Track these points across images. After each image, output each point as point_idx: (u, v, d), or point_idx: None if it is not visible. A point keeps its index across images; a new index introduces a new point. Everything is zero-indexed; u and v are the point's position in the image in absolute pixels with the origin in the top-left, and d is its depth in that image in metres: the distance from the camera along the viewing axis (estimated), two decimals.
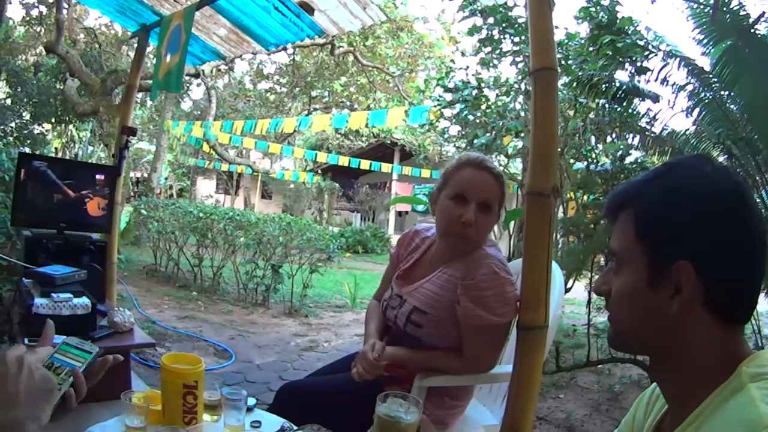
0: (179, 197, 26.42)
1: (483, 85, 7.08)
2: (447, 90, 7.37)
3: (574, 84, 5.32)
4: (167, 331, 5.84)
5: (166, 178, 25.26)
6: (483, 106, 6.98)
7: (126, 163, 4.79)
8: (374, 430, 1.46)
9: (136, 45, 5.22)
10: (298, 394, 2.39)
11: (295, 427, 1.96)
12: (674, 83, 5.17)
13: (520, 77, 6.92)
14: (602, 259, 5.02)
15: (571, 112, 5.81)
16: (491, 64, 7.22)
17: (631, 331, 1.09)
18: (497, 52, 7.01)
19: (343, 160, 21.70)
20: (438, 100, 7.80)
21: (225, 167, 25.36)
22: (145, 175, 18.75)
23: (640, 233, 1.05)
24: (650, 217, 1.05)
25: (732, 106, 5.15)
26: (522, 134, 6.46)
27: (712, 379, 0.98)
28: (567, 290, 4.94)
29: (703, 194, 1.02)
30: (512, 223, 6.36)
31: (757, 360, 0.98)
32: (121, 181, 4.54)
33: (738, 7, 4.72)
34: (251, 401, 2.01)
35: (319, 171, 27.42)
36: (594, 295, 5.13)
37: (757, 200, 4.31)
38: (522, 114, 6.79)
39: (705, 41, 5.08)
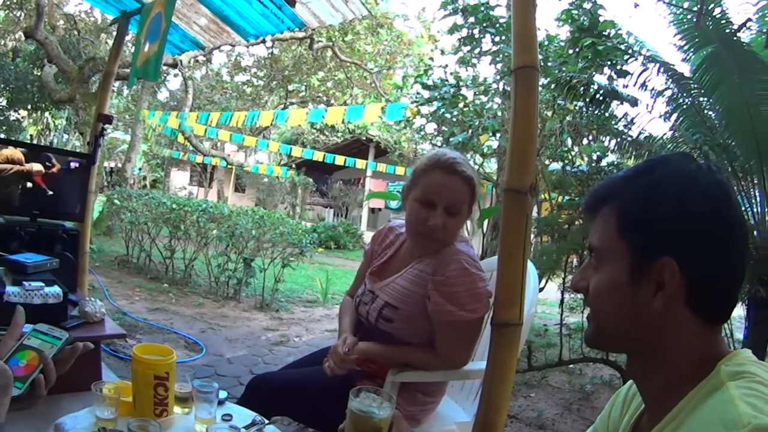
0: (153, 188, 26.14)
1: (461, 83, 7.09)
2: (425, 87, 7.37)
3: (553, 85, 5.34)
4: (138, 323, 5.77)
5: (140, 169, 25.02)
6: (460, 105, 6.99)
7: (100, 152, 4.72)
8: (347, 424, 1.45)
9: (115, 32, 5.15)
10: (269, 388, 2.38)
11: (266, 421, 1.95)
12: (653, 88, 5.21)
13: (498, 77, 6.93)
14: (576, 259, 5.05)
15: (549, 113, 5.84)
16: (470, 63, 7.23)
17: (611, 328, 1.08)
18: (477, 51, 7.02)
19: (318, 155, 21.65)
20: (416, 97, 7.80)
21: (199, 159, 25.19)
22: (119, 165, 18.54)
23: (623, 229, 1.05)
24: (633, 214, 1.04)
25: (710, 113, 5.20)
26: (498, 133, 6.48)
27: (691, 378, 0.98)
28: (539, 290, 4.96)
29: (686, 191, 1.02)
30: (486, 221, 6.37)
31: (735, 359, 0.98)
32: (96, 169, 4.48)
33: (720, 15, 4.76)
34: (222, 394, 1.99)
35: (294, 165, 27.33)
36: (567, 296, 5.18)
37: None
38: (499, 114, 6.81)
39: (686, 47, 5.12)
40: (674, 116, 5.32)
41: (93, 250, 8.56)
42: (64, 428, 1.51)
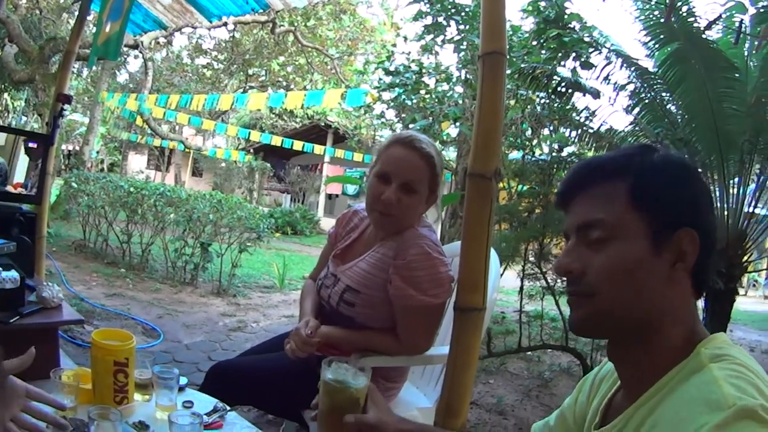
0: (110, 172, 25.72)
1: (423, 71, 7.08)
2: (387, 73, 7.35)
3: (516, 75, 5.35)
4: (95, 309, 5.68)
5: (97, 152, 24.58)
6: (422, 92, 6.99)
7: (59, 134, 4.59)
8: (321, 398, 1.42)
9: (77, 12, 5.02)
10: (229, 375, 2.33)
11: (228, 408, 1.91)
12: (616, 82, 5.27)
13: (461, 65, 6.94)
14: (535, 246, 5.08)
15: (512, 102, 5.86)
16: (432, 51, 7.22)
17: (620, 308, 1.04)
18: (441, 38, 7.01)
19: (276, 140, 21.51)
20: (377, 83, 7.77)
21: (157, 143, 24.89)
22: (77, 147, 18.16)
23: (640, 203, 1.04)
24: (651, 187, 1.04)
25: (672, 107, 5.28)
26: (459, 121, 6.49)
27: (673, 357, 0.99)
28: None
29: (689, 169, 1.08)
30: (445, 208, 6.38)
31: (713, 342, 0.99)
32: (54, 151, 4.36)
33: (687, 12, 4.82)
34: (183, 380, 1.96)
35: (252, 150, 27.16)
36: (526, 283, 5.21)
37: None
38: (460, 101, 6.82)
39: (651, 43, 5.18)
40: (636, 110, 5.39)
41: (50, 234, 8.38)
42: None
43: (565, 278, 1.11)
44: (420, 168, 2.21)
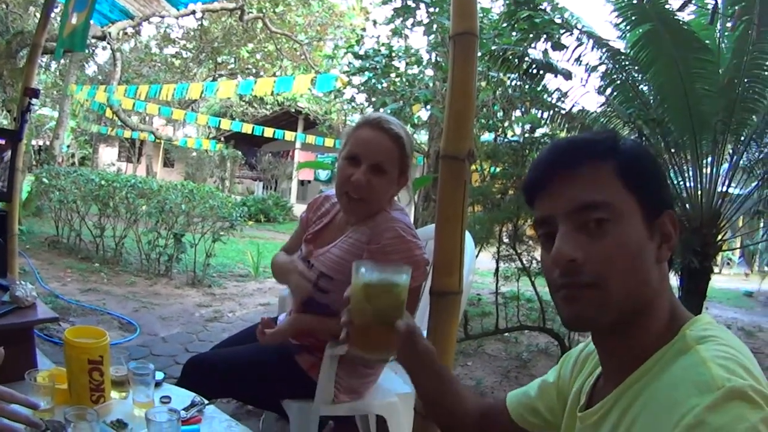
0: (81, 165, 25.39)
1: (393, 54, 7.04)
2: (357, 57, 7.31)
3: (487, 57, 5.33)
4: (71, 305, 5.62)
5: (68, 146, 24.23)
6: (392, 75, 6.95)
7: (27, 129, 4.50)
8: (359, 307, 1.28)
9: (43, 3, 4.91)
10: (206, 367, 2.30)
11: (206, 401, 1.88)
12: (587, 63, 5.27)
13: (431, 48, 6.91)
14: (509, 227, 5.09)
15: (483, 84, 5.84)
16: (402, 35, 7.18)
17: (628, 295, 0.98)
18: (410, 21, 6.97)
19: (247, 128, 21.34)
20: (347, 67, 7.73)
21: (128, 134, 24.67)
22: (48, 142, 17.90)
23: (632, 185, 1.00)
24: (637, 169, 1.02)
25: (644, 88, 5.30)
26: (430, 104, 6.47)
27: (657, 341, 0.98)
28: None
29: (653, 155, 1.09)
30: (417, 191, 6.37)
31: (697, 324, 0.98)
32: (23, 146, 4.28)
33: None
34: (159, 375, 1.92)
35: (222, 139, 26.97)
36: (501, 264, 5.23)
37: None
38: (431, 84, 6.80)
39: (623, 25, 5.17)
40: (608, 91, 5.41)
41: (22, 231, 8.28)
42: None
43: (561, 269, 1.01)
44: (389, 149, 2.19)
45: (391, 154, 2.19)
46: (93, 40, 14.43)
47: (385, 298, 1.25)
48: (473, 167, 5.63)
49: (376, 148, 2.17)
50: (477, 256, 5.47)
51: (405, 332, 1.29)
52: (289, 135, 21.78)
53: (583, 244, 0.99)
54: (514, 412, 1.37)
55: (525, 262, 5.08)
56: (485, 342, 5.42)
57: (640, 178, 1.01)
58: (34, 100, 4.24)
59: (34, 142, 18.25)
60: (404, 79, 6.86)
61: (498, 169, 5.41)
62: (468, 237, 2.35)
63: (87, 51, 18.66)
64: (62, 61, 16.92)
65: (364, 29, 10.55)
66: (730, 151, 5.29)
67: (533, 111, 5.56)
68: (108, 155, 33.56)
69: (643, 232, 0.99)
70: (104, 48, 19.63)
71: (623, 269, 0.97)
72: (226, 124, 22.29)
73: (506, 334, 5.48)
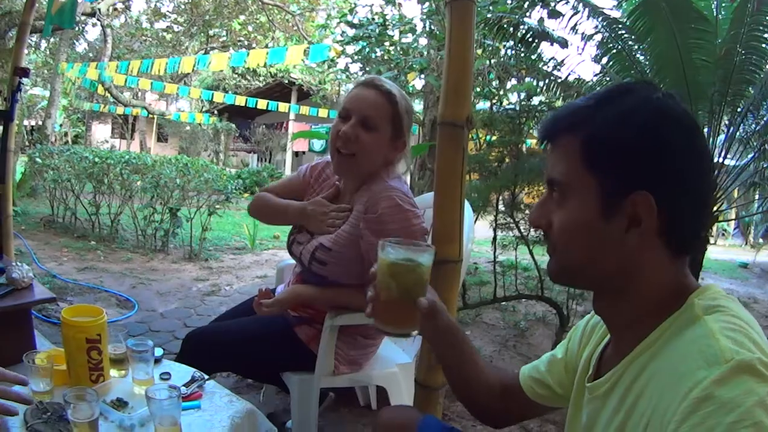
0: (74, 144, 25.24)
1: (387, 23, 6.97)
2: (350, 26, 7.23)
3: (482, 25, 5.27)
4: (68, 284, 5.59)
5: (60, 125, 24.08)
6: (387, 44, 6.89)
7: (19, 110, 4.45)
8: (384, 284, 1.31)
9: None
10: (204, 342, 2.29)
11: (206, 376, 1.87)
12: (583, 32, 5.23)
13: (425, 16, 6.83)
14: (507, 196, 5.07)
15: (479, 52, 5.79)
16: (396, 3, 7.10)
17: (580, 266, 1.03)
18: None
19: (240, 100, 21.16)
20: (341, 36, 7.66)
21: (120, 111, 24.43)
22: (40, 122, 17.79)
23: (590, 162, 0.98)
24: (603, 145, 0.98)
25: (641, 57, 5.25)
26: (425, 72, 6.41)
27: (662, 309, 0.96)
28: None
29: (661, 121, 0.97)
30: (414, 159, 6.34)
31: (707, 293, 0.96)
32: (14, 127, 4.23)
33: None
34: (158, 352, 1.91)
35: (216, 112, 26.84)
36: (499, 233, 5.21)
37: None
38: (425, 53, 6.73)
39: None
40: (604, 59, 5.36)
41: (17, 212, 8.29)
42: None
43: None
44: (380, 104, 2.17)
45: (381, 109, 2.17)
46: (83, 17, 14.28)
47: (409, 277, 1.29)
48: (469, 135, 5.63)
49: (365, 103, 2.16)
50: (475, 223, 5.47)
51: (427, 309, 1.32)
52: (282, 106, 21.62)
53: (546, 212, 1.06)
54: (525, 385, 1.38)
55: (523, 230, 5.06)
56: (483, 311, 5.42)
57: (603, 153, 0.98)
58: (24, 80, 4.20)
59: (26, 123, 18.18)
60: (399, 48, 6.79)
61: (494, 138, 5.38)
62: (467, 205, 2.33)
63: (77, 28, 18.49)
64: (52, 39, 16.76)
65: None
66: (727, 123, 5.26)
67: (529, 79, 5.50)
68: (101, 132, 33.35)
69: (594, 212, 0.98)
70: (94, 25, 19.39)
71: (565, 243, 1.03)
72: (219, 97, 22.13)
73: (504, 302, 5.47)
